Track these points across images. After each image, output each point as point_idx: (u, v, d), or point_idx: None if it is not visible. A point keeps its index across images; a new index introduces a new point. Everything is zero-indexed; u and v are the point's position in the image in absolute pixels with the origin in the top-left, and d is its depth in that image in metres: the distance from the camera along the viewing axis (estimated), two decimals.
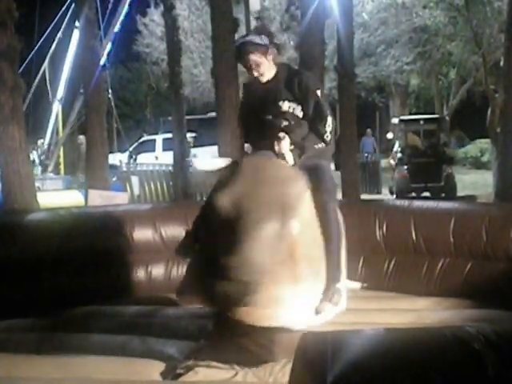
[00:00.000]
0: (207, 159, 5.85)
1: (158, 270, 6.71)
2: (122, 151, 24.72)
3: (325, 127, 4.95)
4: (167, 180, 17.99)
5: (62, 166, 24.21)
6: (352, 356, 2.03)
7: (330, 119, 4.98)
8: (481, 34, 21.88)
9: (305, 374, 2.13)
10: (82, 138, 20.13)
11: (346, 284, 5.14)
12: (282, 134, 4.86)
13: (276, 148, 4.84)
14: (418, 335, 2.22)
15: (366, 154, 25.04)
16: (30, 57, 21.55)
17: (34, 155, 20.43)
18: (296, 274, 4.47)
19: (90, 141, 14.10)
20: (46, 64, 22.28)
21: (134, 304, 6.02)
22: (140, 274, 6.62)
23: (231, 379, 4.37)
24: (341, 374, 1.96)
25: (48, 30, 22.66)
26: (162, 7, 18.20)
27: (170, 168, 17.81)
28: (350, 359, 2.02)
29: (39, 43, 22.18)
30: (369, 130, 30.18)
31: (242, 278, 4.39)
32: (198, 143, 23.76)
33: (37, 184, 12.59)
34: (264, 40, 5.00)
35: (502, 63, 16.11)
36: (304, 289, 4.53)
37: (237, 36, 10.44)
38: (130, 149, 24.91)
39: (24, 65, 20.56)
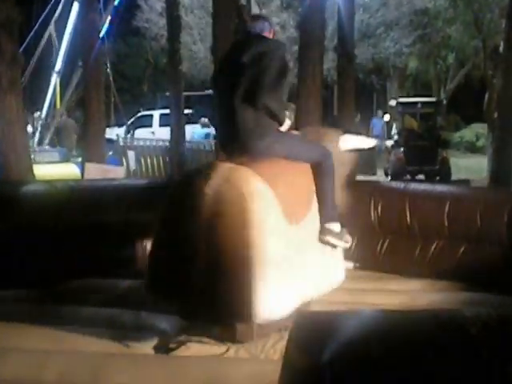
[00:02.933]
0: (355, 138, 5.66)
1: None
2: (119, 125, 24.65)
3: None
4: (163, 155, 17.95)
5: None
6: (347, 336, 2.04)
7: None
8: (481, 18, 21.82)
9: (299, 354, 2.14)
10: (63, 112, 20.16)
11: None
12: None
13: None
14: (414, 317, 2.23)
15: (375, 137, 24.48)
16: (34, 30, 21.41)
17: (30, 127, 20.38)
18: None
19: (88, 114, 14.07)
20: (50, 30, 22.08)
21: (129, 278, 6.03)
22: (135, 248, 6.62)
23: (223, 355, 4.40)
24: (335, 354, 1.97)
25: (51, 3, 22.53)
26: None
27: (167, 143, 17.79)
28: (344, 339, 2.03)
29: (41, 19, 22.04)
30: (380, 112, 28.90)
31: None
32: (195, 120, 23.67)
33: (33, 156, 12.58)
34: (266, 26, 5.01)
35: (501, 48, 16.09)
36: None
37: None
38: (128, 123, 24.84)
39: (28, 39, 20.56)
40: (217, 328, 4.57)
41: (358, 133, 5.93)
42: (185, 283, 4.32)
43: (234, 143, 4.69)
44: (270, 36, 5.01)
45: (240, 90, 4.63)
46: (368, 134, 25.11)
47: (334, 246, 4.92)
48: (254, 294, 4.09)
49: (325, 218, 4.83)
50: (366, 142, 5.79)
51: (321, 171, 4.84)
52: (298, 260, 4.44)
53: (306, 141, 5.08)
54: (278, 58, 4.75)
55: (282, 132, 4.82)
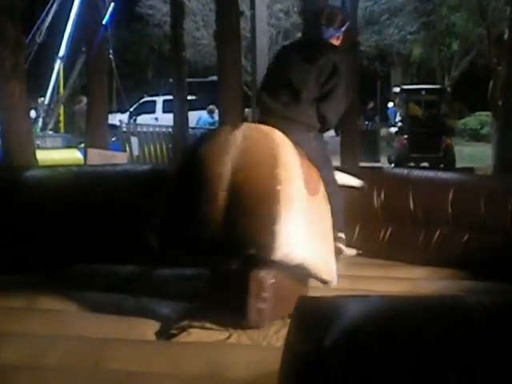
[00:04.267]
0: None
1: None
2: (122, 111, 24.63)
3: None
4: (167, 142, 17.93)
5: (61, 125, 24.16)
6: (349, 322, 2.04)
7: None
8: (486, 5, 21.74)
9: (301, 339, 2.13)
10: (83, 98, 20.14)
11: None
12: None
13: None
14: (417, 303, 2.22)
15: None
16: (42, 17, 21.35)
17: (34, 113, 20.37)
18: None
19: (91, 100, 14.07)
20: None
21: (131, 263, 6.02)
22: (138, 233, 6.60)
23: (225, 341, 4.39)
24: (337, 339, 1.97)
25: None
26: None
27: (170, 130, 17.77)
28: (347, 325, 2.02)
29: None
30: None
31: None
32: (198, 106, 23.64)
33: (36, 141, 12.57)
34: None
35: (506, 36, 16.03)
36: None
37: None
38: (131, 109, 24.83)
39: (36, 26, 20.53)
40: (227, 313, 4.55)
41: (348, 173, 6.12)
42: (203, 222, 4.40)
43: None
44: (338, 43, 5.37)
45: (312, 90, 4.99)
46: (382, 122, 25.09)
47: (341, 253, 5.09)
48: (279, 225, 4.21)
49: (336, 227, 4.95)
50: (355, 181, 6.05)
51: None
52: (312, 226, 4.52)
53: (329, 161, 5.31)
54: (345, 74, 5.12)
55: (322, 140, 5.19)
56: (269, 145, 4.44)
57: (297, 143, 4.65)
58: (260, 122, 4.92)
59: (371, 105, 26.87)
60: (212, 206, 4.35)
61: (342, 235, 5.15)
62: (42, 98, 22.37)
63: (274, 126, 4.62)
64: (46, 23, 21.07)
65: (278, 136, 4.51)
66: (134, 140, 18.33)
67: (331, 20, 5.46)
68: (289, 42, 5.42)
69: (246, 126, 4.63)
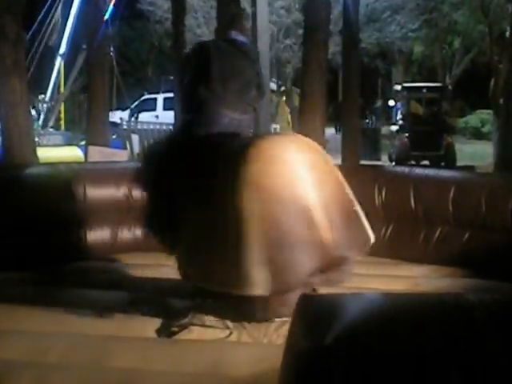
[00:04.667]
0: None
1: None
2: (123, 109, 24.63)
3: None
4: None
5: (62, 122, 24.16)
6: (351, 319, 2.03)
7: None
8: (488, 3, 21.72)
9: (302, 336, 2.12)
10: None
11: None
12: None
13: None
14: (419, 300, 2.22)
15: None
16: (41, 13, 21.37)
17: (35, 110, 20.36)
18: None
19: (91, 97, 14.05)
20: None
21: (130, 261, 6.02)
22: (137, 231, 6.61)
23: (225, 338, 4.39)
24: (339, 336, 1.96)
25: None
26: None
27: (171, 127, 17.75)
28: (348, 322, 2.02)
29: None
30: None
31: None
32: None
33: (36, 139, 12.56)
34: None
35: (507, 34, 16.04)
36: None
37: None
38: (132, 107, 24.82)
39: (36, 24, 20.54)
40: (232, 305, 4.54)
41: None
42: None
43: None
44: None
45: None
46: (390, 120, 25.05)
47: None
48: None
49: None
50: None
51: None
52: None
53: None
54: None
55: None
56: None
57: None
58: None
59: (379, 103, 26.84)
60: None
61: None
62: (43, 96, 22.38)
63: None
64: (54, 24, 21.11)
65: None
66: (135, 137, 18.32)
67: None
68: None
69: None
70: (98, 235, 6.45)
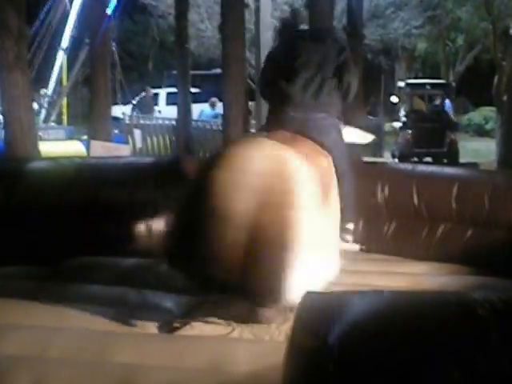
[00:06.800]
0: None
1: (158, 224, 6.67)
2: (125, 103, 24.64)
3: None
4: (170, 134, 17.93)
5: (64, 117, 24.18)
6: (354, 317, 2.02)
7: None
8: (491, 0, 21.71)
9: (305, 335, 2.12)
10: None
11: (345, 246, 5.17)
12: None
13: None
14: (422, 298, 2.21)
15: None
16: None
17: (37, 104, 20.38)
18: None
19: (94, 92, 14.05)
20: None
21: (133, 257, 6.00)
22: (140, 227, 6.59)
23: (227, 335, 4.38)
24: (342, 335, 1.95)
25: None
26: None
27: (173, 122, 17.75)
28: (352, 320, 2.01)
29: None
30: None
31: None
32: (201, 99, 23.61)
33: (39, 133, 12.56)
34: None
35: (511, 31, 16.02)
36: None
37: None
38: (134, 101, 24.83)
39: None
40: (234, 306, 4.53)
41: (359, 126, 6.09)
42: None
43: None
44: None
45: None
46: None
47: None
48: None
49: (345, 218, 5.02)
50: (365, 137, 5.99)
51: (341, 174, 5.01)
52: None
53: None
54: None
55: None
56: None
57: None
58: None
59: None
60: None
61: (351, 226, 5.26)
62: (45, 90, 22.40)
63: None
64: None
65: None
66: (137, 132, 18.33)
67: None
68: None
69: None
70: (102, 230, 6.43)
